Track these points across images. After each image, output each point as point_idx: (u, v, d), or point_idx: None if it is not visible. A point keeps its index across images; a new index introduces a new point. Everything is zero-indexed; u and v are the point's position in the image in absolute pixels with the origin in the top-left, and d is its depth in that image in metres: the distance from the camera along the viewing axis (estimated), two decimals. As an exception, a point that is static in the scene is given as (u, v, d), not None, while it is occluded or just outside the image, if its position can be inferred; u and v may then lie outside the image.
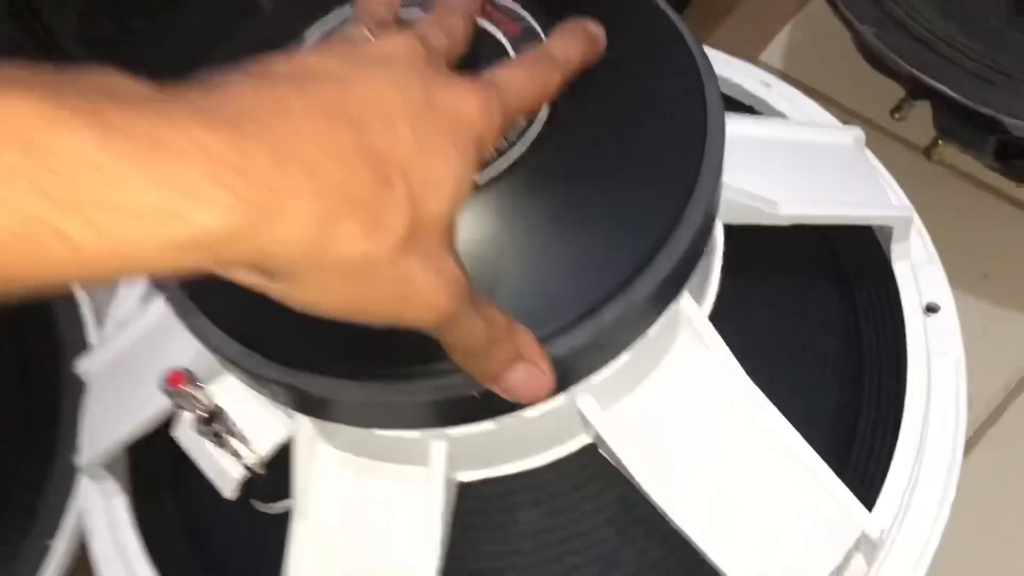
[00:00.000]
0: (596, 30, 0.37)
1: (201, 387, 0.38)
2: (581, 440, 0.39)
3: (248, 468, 0.39)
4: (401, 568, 0.38)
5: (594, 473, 0.40)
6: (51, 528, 0.53)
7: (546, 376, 0.32)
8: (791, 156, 0.49)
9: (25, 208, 0.20)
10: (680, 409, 0.40)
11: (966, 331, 0.49)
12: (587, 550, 0.40)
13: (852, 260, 0.51)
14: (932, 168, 0.70)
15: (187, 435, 0.40)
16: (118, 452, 0.47)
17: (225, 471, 0.39)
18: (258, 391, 0.36)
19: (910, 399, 0.46)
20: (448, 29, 0.33)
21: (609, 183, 0.35)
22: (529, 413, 0.36)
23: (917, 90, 0.64)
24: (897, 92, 0.70)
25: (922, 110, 0.68)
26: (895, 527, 0.44)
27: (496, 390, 0.31)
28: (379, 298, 0.26)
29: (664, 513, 0.38)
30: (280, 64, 0.27)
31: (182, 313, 0.35)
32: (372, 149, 0.25)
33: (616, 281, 0.33)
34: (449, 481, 0.38)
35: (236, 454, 0.39)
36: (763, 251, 0.50)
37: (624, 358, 0.37)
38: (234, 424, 0.38)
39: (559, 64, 0.34)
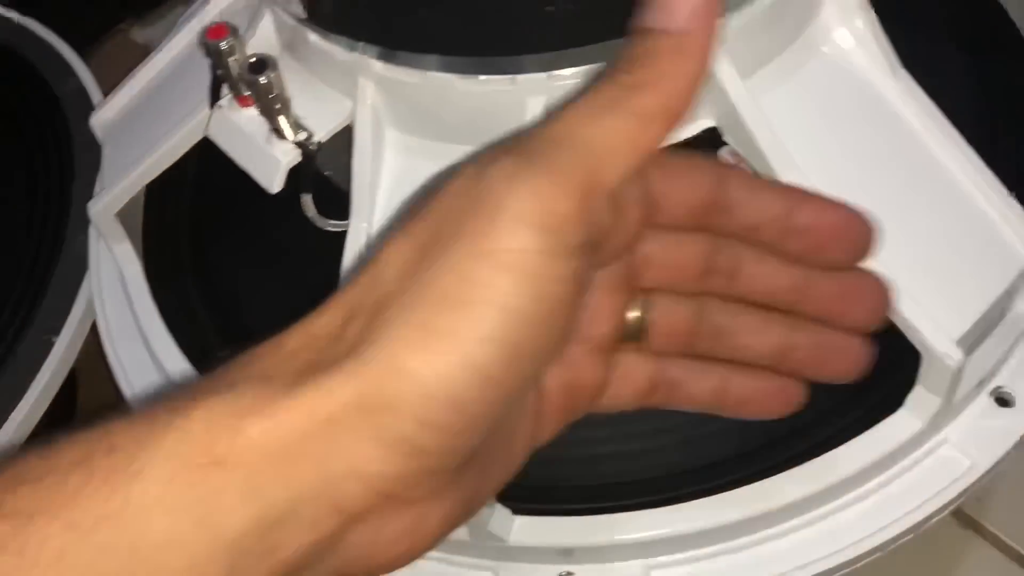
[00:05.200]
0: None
1: (242, 38, 0.31)
2: (700, 124, 0.32)
3: (302, 146, 0.32)
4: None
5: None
6: (56, 323, 0.46)
7: None
8: None
9: None
10: (827, 98, 0.33)
11: None
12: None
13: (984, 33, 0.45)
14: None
15: (225, 126, 0.33)
16: (132, 196, 0.41)
17: (274, 157, 0.32)
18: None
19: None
20: None
21: None
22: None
23: None
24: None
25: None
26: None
27: None
28: None
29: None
30: None
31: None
32: None
33: None
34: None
35: (282, 132, 0.32)
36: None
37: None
38: (284, 90, 0.31)
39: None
